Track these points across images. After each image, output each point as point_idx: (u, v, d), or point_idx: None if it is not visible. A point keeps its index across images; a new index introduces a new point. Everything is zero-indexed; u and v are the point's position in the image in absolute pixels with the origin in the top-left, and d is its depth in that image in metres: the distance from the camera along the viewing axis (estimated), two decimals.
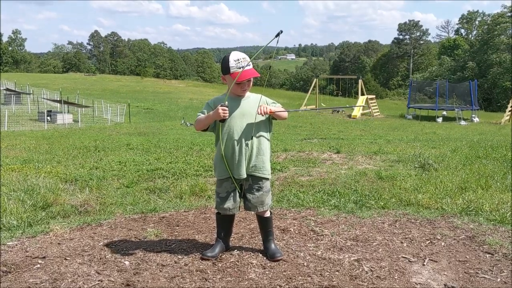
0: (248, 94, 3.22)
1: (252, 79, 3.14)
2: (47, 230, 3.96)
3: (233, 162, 3.14)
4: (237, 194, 3.26)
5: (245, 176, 3.17)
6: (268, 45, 2.96)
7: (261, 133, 3.20)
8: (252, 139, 3.13)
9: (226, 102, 3.05)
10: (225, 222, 3.41)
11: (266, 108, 3.07)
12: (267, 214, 3.36)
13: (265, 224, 3.36)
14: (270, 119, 3.25)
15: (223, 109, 2.99)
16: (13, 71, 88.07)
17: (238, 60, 3.04)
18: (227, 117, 3.04)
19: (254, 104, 3.14)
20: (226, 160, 3.13)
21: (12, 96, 35.06)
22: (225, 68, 3.07)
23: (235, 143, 3.13)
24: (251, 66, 3.09)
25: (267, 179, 3.28)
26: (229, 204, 3.24)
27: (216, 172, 3.29)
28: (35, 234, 3.88)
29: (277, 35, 2.89)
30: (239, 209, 3.33)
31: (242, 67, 3.03)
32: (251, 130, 3.13)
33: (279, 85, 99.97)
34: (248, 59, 3.07)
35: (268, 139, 3.26)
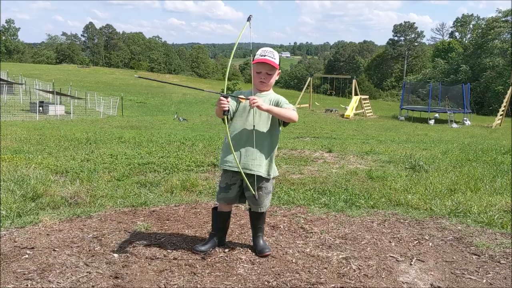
0: (270, 92, 3.20)
1: (275, 75, 3.15)
2: (36, 221, 3.93)
3: (233, 153, 3.10)
4: (236, 189, 3.25)
5: (238, 169, 3.11)
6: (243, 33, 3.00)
7: (266, 131, 3.15)
8: (253, 134, 3.10)
9: (226, 93, 2.99)
10: (219, 218, 3.40)
11: (256, 101, 2.93)
12: (262, 211, 3.35)
13: (257, 221, 3.37)
14: (280, 120, 3.18)
15: (220, 99, 2.93)
16: (6, 61, 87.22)
17: (264, 50, 3.15)
18: (226, 108, 2.95)
19: (268, 102, 3.11)
20: (229, 151, 3.10)
21: (4, 86, 34.76)
22: (254, 58, 3.16)
23: (238, 135, 3.14)
24: (276, 60, 3.11)
25: (267, 180, 3.23)
26: (225, 196, 3.27)
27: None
28: (24, 224, 3.86)
29: (248, 19, 2.99)
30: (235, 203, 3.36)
31: (264, 55, 3.10)
32: (254, 126, 3.10)
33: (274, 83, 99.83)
34: (275, 53, 3.15)
35: (272, 138, 3.19)
